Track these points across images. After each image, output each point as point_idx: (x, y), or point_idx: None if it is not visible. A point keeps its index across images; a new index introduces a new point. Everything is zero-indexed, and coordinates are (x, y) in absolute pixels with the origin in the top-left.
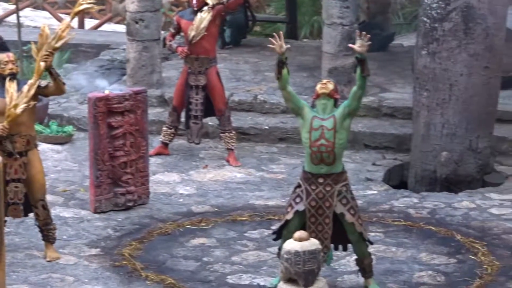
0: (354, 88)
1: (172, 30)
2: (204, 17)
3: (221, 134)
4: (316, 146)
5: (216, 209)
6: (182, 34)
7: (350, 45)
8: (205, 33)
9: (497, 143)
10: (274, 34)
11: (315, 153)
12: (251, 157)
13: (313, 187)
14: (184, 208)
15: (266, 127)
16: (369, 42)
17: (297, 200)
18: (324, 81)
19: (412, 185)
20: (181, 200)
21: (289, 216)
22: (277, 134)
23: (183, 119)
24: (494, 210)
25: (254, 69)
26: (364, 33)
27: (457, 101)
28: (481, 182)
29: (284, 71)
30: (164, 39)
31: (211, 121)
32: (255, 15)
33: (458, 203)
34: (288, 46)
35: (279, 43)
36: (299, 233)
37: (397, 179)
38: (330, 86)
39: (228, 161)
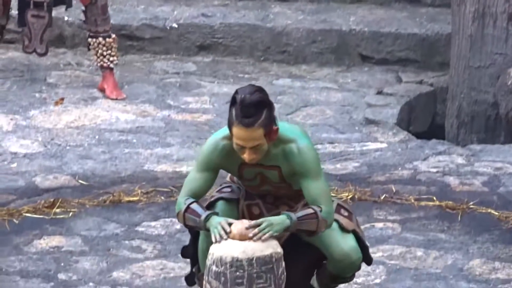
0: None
1: None
2: None
3: (90, 40)
4: None
5: (81, 181)
6: None
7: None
8: None
9: None
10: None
11: None
12: (147, 83)
13: None
14: (22, 181)
15: (174, 26)
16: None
17: None
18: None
19: (452, 131)
20: (14, 165)
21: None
22: (196, 38)
23: (14, 11)
24: None
25: None
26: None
27: None
28: None
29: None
30: None
31: (68, 13)
32: None
33: None
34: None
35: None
36: (239, 225)
37: (424, 120)
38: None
39: (103, 90)
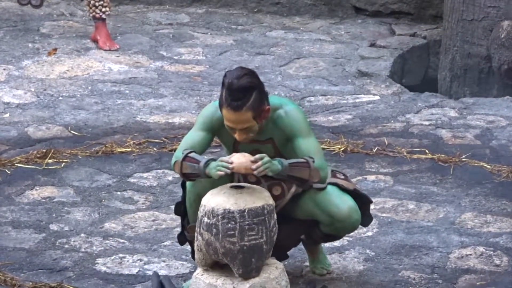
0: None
1: None
2: None
3: None
4: None
5: (73, 132)
6: None
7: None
8: None
9: None
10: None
11: None
12: (140, 33)
13: None
14: (14, 131)
15: None
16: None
17: None
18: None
19: (445, 83)
20: (6, 115)
21: None
22: None
23: None
24: None
25: None
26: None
27: None
28: None
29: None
30: None
31: None
32: None
33: None
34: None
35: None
36: (242, 158)
37: (417, 73)
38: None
39: (95, 40)
